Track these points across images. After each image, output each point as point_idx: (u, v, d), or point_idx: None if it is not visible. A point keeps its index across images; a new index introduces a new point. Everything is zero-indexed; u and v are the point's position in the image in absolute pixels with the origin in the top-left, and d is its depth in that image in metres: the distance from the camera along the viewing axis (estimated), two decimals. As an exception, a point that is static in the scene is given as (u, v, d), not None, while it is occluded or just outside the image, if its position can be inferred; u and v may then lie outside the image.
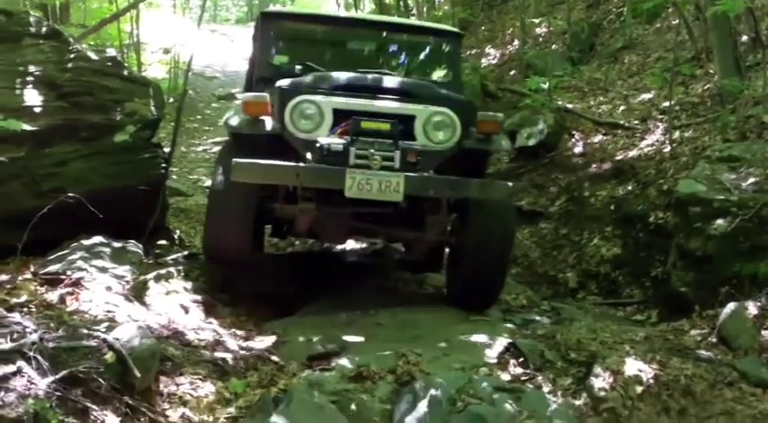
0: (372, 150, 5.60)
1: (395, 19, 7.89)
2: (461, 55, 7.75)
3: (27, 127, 5.91)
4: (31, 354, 3.74)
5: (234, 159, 5.50)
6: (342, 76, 6.23)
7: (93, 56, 7.43)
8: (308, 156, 5.69)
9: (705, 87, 10.44)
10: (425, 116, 5.91)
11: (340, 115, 5.80)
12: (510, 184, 6.03)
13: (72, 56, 7.19)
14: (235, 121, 6.03)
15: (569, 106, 11.57)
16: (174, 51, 17.93)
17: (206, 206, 6.36)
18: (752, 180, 7.05)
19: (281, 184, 5.89)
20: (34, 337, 3.91)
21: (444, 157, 5.96)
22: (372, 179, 5.53)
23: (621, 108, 11.28)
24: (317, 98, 5.81)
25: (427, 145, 5.88)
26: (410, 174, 5.61)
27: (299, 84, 6.03)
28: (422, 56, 7.82)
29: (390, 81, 6.34)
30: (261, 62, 7.16)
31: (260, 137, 5.91)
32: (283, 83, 6.02)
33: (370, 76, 6.32)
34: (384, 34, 7.58)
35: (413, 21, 7.95)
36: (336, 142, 5.64)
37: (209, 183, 11.65)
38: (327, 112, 5.79)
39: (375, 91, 6.02)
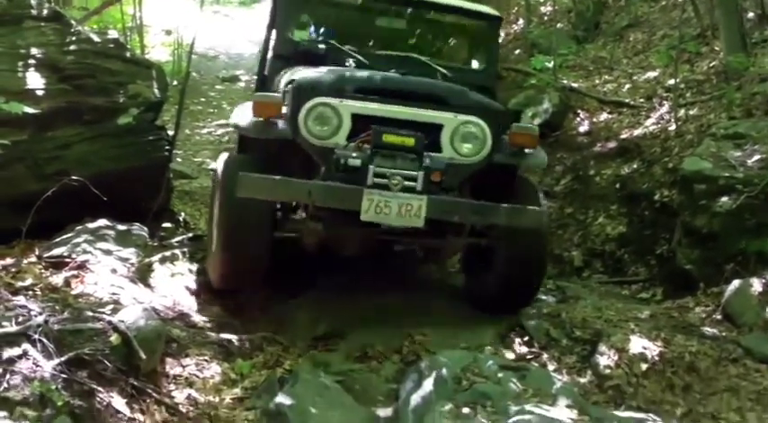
0: (393, 170, 5.08)
1: None
2: (499, 41, 6.99)
3: (29, 110, 5.90)
4: (37, 336, 3.75)
5: (240, 173, 5.04)
6: (365, 74, 5.66)
7: (95, 38, 7.40)
8: (322, 168, 5.22)
9: (711, 65, 10.37)
10: (454, 126, 5.36)
11: (359, 120, 5.25)
12: (543, 208, 5.54)
13: (74, 38, 7.16)
14: (243, 123, 5.51)
15: (574, 85, 11.51)
16: (177, 33, 17.84)
17: (214, 229, 5.66)
18: (757, 157, 7.02)
19: (292, 201, 5.44)
20: (39, 319, 3.92)
21: (472, 171, 5.44)
22: (392, 201, 5.03)
23: (627, 86, 11.21)
24: (335, 101, 5.23)
25: (454, 158, 5.34)
26: (433, 196, 5.12)
27: (317, 83, 5.38)
28: (456, 39, 7.23)
29: (418, 83, 5.64)
30: (279, 37, 6.48)
31: (271, 140, 5.43)
32: (300, 79, 5.41)
33: (396, 77, 5.65)
34: (416, 12, 6.87)
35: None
36: (354, 156, 5.12)
37: (213, 165, 11.73)
38: (346, 116, 5.22)
39: (400, 94, 5.40)
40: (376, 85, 5.47)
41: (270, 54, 6.61)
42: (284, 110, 5.34)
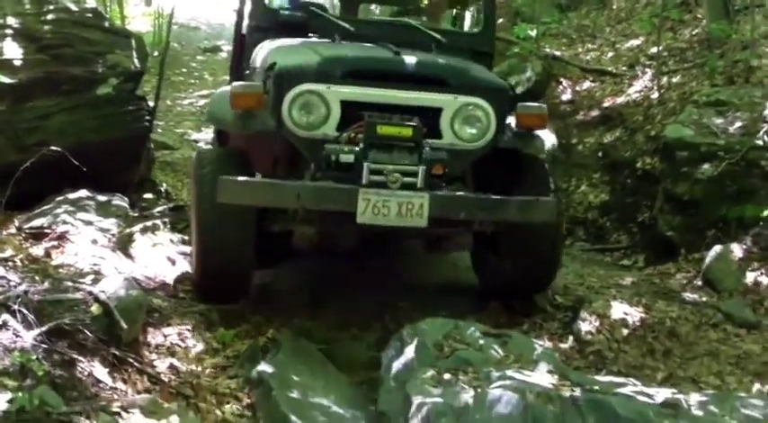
0: (391, 167, 4.60)
1: None
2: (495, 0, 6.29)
3: (7, 80, 5.84)
4: (17, 307, 3.72)
5: (221, 177, 4.58)
6: (353, 55, 5.14)
7: (72, 7, 7.33)
8: (311, 165, 4.81)
9: (693, 32, 10.38)
10: (454, 109, 4.88)
11: (350, 107, 4.78)
12: (555, 199, 5.05)
13: (51, 8, 7.10)
14: (222, 116, 5.09)
15: (557, 53, 11.50)
16: (158, 3, 17.71)
17: (194, 234, 5.16)
18: (739, 124, 7.06)
19: (279, 206, 4.84)
20: (19, 290, 3.89)
21: (475, 157, 5.00)
22: (390, 200, 4.54)
23: (609, 54, 11.22)
24: (322, 88, 4.75)
25: (455, 143, 4.88)
26: (436, 193, 4.65)
27: (301, 68, 4.85)
28: None
29: (413, 63, 5.07)
30: (255, 7, 5.99)
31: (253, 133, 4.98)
32: (282, 65, 4.89)
33: (388, 57, 5.07)
34: None
35: None
36: (346, 151, 4.65)
37: (195, 136, 11.67)
38: (334, 104, 4.75)
39: (394, 76, 4.93)
40: (366, 67, 4.96)
41: (246, 25, 6.21)
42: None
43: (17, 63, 6.58)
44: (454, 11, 6.75)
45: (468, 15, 6.61)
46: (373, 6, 6.48)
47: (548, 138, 5.43)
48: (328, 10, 6.10)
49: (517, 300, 5.52)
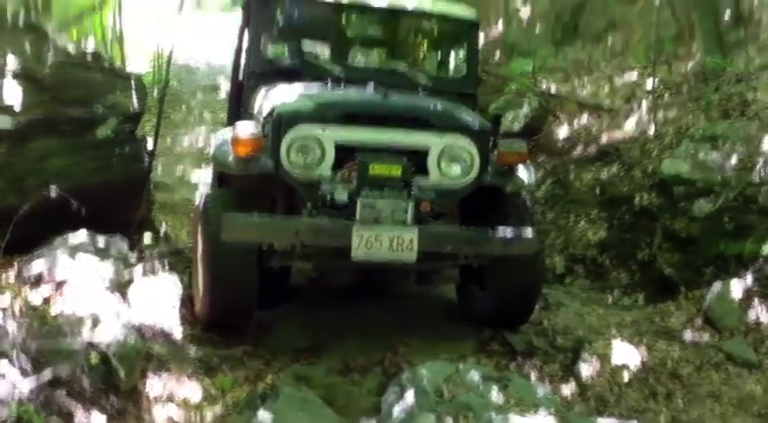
0: (382, 204, 4.95)
1: (403, 2, 6.42)
2: (478, 46, 6.73)
3: (8, 126, 5.84)
4: (14, 355, 3.71)
5: (225, 214, 4.90)
6: (346, 99, 5.49)
7: (72, 49, 7.36)
8: (308, 204, 5.09)
9: (689, 66, 10.42)
10: (440, 148, 5.21)
11: (343, 148, 5.12)
12: (536, 235, 5.34)
13: (50, 49, 7.11)
14: (223, 159, 5.29)
15: (553, 90, 11.52)
16: (158, 43, 17.76)
17: (197, 266, 5.55)
18: (735, 158, 7.07)
19: (279, 242, 5.13)
20: (17, 338, 3.88)
21: (461, 195, 5.34)
22: (382, 235, 4.87)
23: (606, 89, 11.25)
24: (317, 131, 5.08)
25: (441, 182, 5.23)
26: (425, 228, 4.98)
27: (298, 113, 5.17)
28: (434, 44, 6.99)
29: (400, 106, 5.42)
30: (254, 53, 6.23)
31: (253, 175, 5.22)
32: (280, 109, 5.21)
33: (377, 101, 5.35)
34: (391, 19, 6.64)
35: (426, 4, 6.51)
36: (340, 191, 5.02)
37: (194, 175, 11.64)
38: (329, 146, 5.07)
39: (383, 118, 5.25)
40: (358, 111, 5.30)
41: (243, 71, 6.39)
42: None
43: (17, 104, 6.58)
44: (439, 55, 7.02)
45: (452, 60, 6.87)
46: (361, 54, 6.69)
47: (528, 172, 5.61)
48: (320, 56, 6.37)
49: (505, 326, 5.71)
